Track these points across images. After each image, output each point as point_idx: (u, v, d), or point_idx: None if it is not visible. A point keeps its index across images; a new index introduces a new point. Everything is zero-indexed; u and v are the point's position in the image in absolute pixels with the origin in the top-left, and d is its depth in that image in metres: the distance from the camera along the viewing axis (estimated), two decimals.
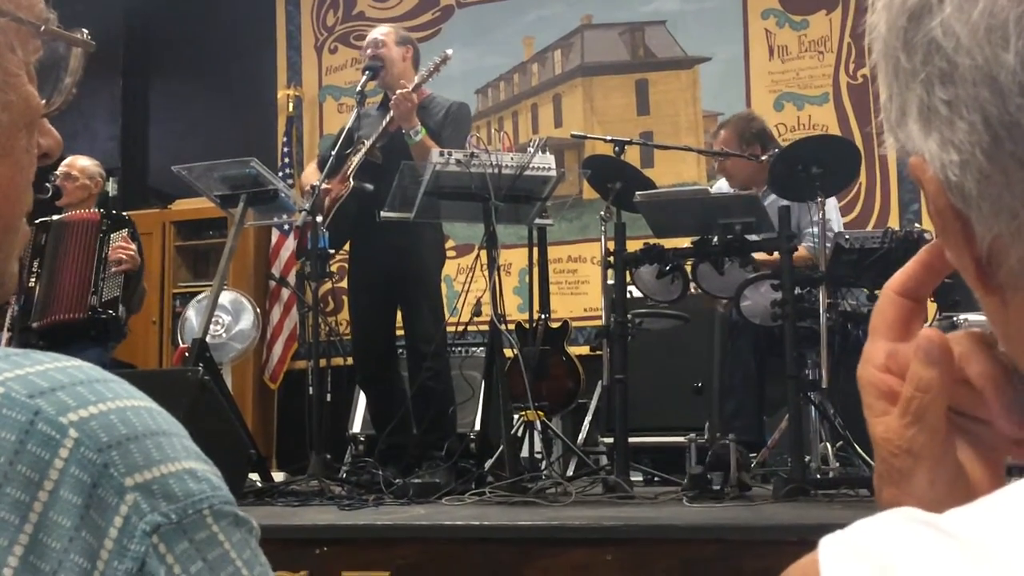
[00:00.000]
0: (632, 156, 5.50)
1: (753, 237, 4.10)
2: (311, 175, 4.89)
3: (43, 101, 0.69)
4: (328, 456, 4.56)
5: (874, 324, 0.63)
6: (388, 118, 4.64)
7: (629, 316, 4.20)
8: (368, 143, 4.68)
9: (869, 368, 0.62)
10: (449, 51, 4.67)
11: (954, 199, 0.54)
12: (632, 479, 4.07)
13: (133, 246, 5.22)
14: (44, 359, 0.56)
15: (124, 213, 5.52)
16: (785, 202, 4.21)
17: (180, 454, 0.55)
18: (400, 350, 4.92)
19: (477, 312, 4.73)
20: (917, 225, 4.75)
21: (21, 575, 0.50)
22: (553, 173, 4.14)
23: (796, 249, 3.97)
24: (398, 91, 4.55)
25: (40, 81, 0.68)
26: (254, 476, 4.36)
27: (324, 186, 4.58)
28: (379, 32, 4.91)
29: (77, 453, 0.52)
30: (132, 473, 0.53)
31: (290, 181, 6.87)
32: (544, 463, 4.41)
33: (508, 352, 4.37)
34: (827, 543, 0.49)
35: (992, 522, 0.47)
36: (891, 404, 0.60)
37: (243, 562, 0.55)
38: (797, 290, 3.97)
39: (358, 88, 4.81)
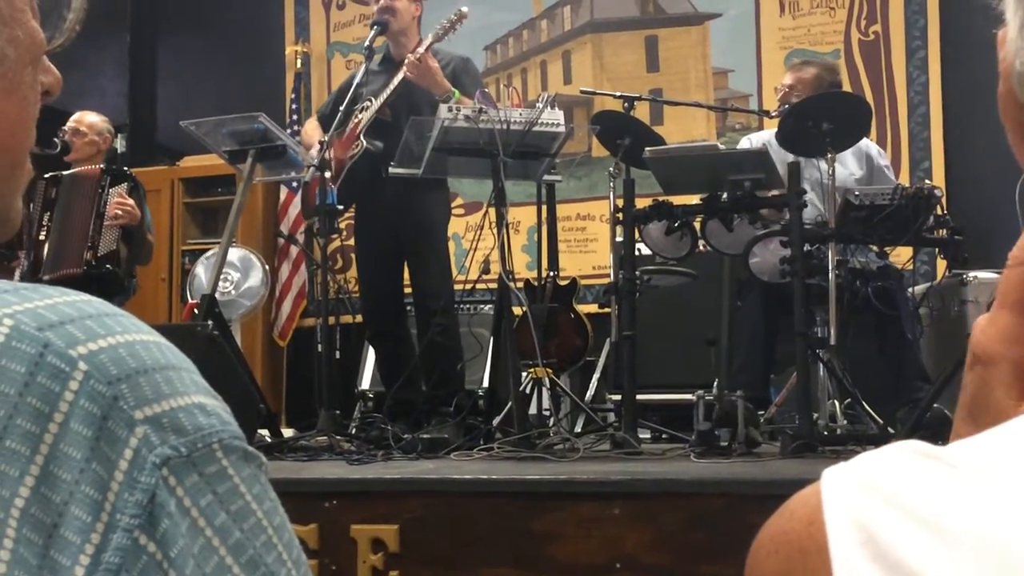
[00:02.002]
0: (642, 113, 5.47)
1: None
2: (312, 131, 4.87)
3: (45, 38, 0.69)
4: (337, 412, 4.58)
5: (1013, 299, 0.58)
6: (398, 78, 4.61)
7: (637, 273, 4.20)
8: (378, 101, 4.66)
9: (1017, 348, 0.58)
10: (464, 8, 4.62)
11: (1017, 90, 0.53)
12: (640, 436, 4.08)
13: (131, 200, 5.21)
14: (53, 293, 0.56)
15: (126, 168, 5.51)
16: None
17: (190, 388, 0.55)
18: (409, 307, 4.93)
19: (486, 270, 4.72)
20: (927, 182, 4.72)
21: (32, 505, 0.50)
22: (562, 129, 4.13)
23: (806, 205, 3.96)
24: (410, 58, 4.51)
25: (42, 18, 0.68)
26: (264, 432, 4.38)
27: (328, 140, 4.57)
28: None
29: (87, 386, 0.52)
30: (142, 406, 0.53)
31: (298, 138, 6.85)
32: (552, 420, 4.43)
33: (517, 310, 4.37)
34: (830, 474, 0.49)
35: (991, 452, 0.47)
36: None
37: (253, 496, 0.56)
38: (806, 247, 3.96)
39: (366, 43, 4.77)
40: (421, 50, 4.51)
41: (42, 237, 5.17)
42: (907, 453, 0.49)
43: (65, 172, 5.28)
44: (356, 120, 4.70)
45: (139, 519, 0.51)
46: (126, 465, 0.52)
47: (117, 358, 0.53)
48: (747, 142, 4.89)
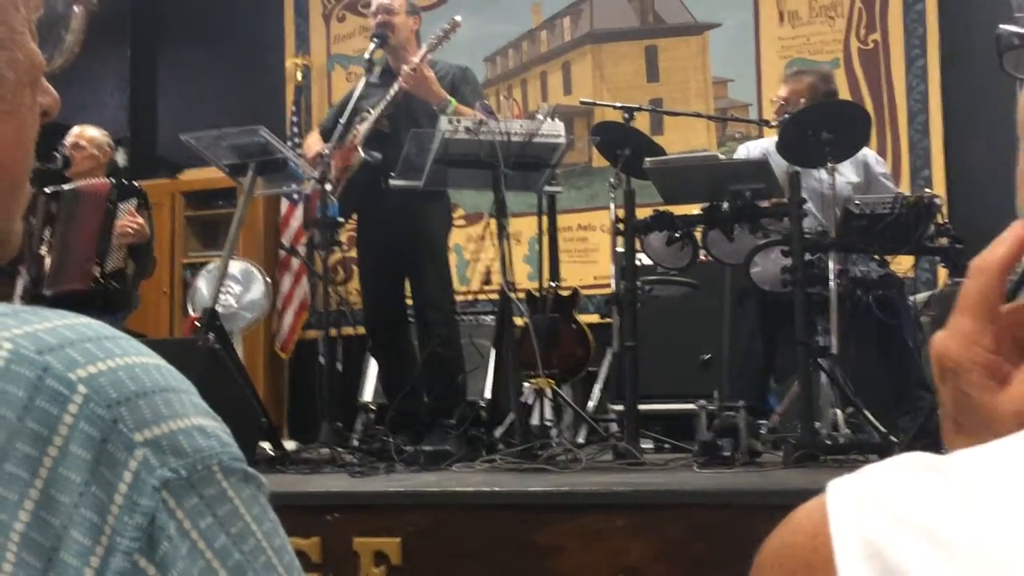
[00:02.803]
0: (642, 123, 5.48)
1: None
2: (314, 143, 4.88)
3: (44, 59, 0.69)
4: (339, 425, 4.57)
5: (974, 304, 0.61)
6: (395, 88, 4.62)
7: (639, 283, 4.20)
8: (375, 113, 4.66)
9: (976, 349, 0.61)
10: (458, 17, 4.63)
11: None
12: (642, 446, 4.07)
13: (140, 219, 5.21)
14: (52, 316, 0.56)
15: (136, 183, 5.50)
16: None
17: (189, 410, 0.55)
18: (411, 318, 4.92)
19: (487, 280, 4.73)
20: (928, 190, 4.72)
21: (32, 529, 0.50)
22: (562, 140, 4.13)
23: (806, 215, 3.96)
24: (405, 68, 4.52)
25: (41, 40, 0.68)
26: (265, 445, 4.37)
27: (330, 152, 4.58)
28: None
29: (86, 409, 0.52)
30: (141, 429, 0.53)
31: (299, 150, 6.85)
32: (554, 431, 4.42)
33: (518, 320, 4.37)
34: (835, 487, 0.50)
35: (996, 465, 0.47)
36: (1000, 383, 0.60)
37: (252, 518, 0.55)
38: (807, 256, 3.96)
39: (366, 56, 4.78)
40: (416, 60, 4.52)
41: (43, 252, 5.16)
42: (912, 466, 0.49)
43: (66, 187, 5.27)
44: (355, 132, 4.71)
45: (139, 542, 0.51)
46: (126, 488, 0.51)
47: (116, 381, 0.53)
48: (744, 150, 4.90)
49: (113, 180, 5.32)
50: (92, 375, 0.53)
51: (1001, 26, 0.59)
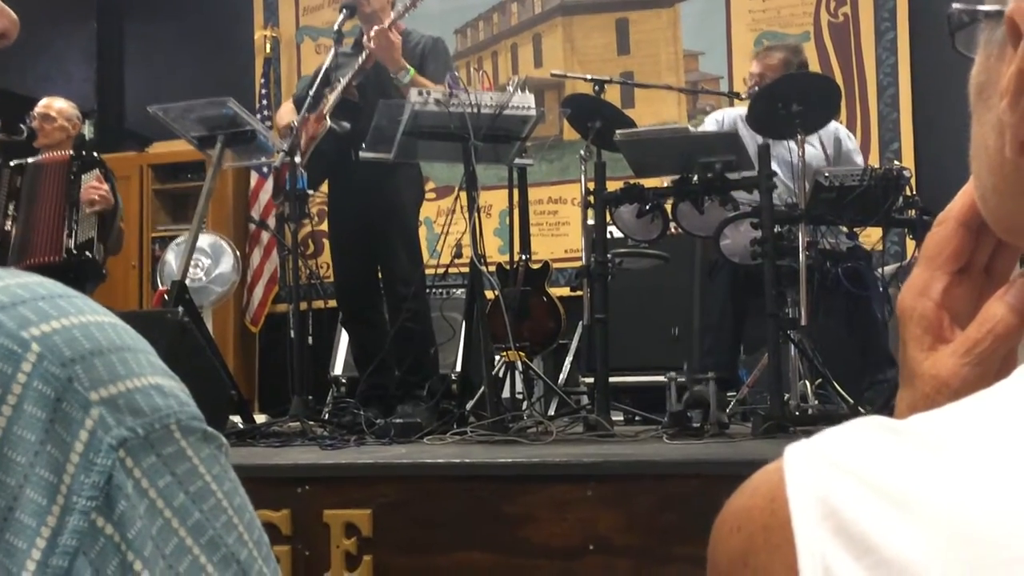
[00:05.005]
0: (612, 96, 5.47)
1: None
2: (286, 114, 4.85)
3: None
4: (310, 398, 4.56)
5: (930, 254, 0.61)
6: (364, 55, 4.59)
7: (609, 256, 4.20)
8: (344, 81, 4.63)
9: (923, 300, 0.60)
10: None
11: None
12: (613, 418, 4.09)
13: (106, 186, 5.17)
14: (5, 275, 0.55)
15: (95, 153, 5.44)
16: None
17: (146, 369, 0.55)
18: (382, 291, 4.91)
19: (458, 254, 4.71)
20: (897, 163, 4.74)
21: None
22: (533, 112, 4.12)
23: (775, 187, 3.97)
24: (375, 29, 4.48)
25: None
26: (236, 418, 4.36)
27: (299, 123, 4.54)
28: None
29: (40, 367, 0.51)
30: (97, 388, 0.52)
31: (268, 123, 6.80)
32: (525, 403, 4.43)
33: (489, 293, 4.37)
34: (792, 450, 0.50)
35: (954, 425, 0.47)
36: (938, 340, 0.59)
37: (212, 477, 0.55)
38: (776, 228, 3.98)
39: (335, 26, 4.75)
40: (385, 24, 4.48)
41: (8, 227, 5.11)
42: (870, 428, 0.49)
43: (30, 160, 5.22)
44: (325, 100, 4.68)
45: (96, 501, 0.50)
46: (82, 447, 0.51)
47: (71, 339, 0.53)
48: (713, 120, 4.88)
49: (71, 152, 5.26)
50: (46, 333, 0.52)
51: (954, 5, 0.58)
